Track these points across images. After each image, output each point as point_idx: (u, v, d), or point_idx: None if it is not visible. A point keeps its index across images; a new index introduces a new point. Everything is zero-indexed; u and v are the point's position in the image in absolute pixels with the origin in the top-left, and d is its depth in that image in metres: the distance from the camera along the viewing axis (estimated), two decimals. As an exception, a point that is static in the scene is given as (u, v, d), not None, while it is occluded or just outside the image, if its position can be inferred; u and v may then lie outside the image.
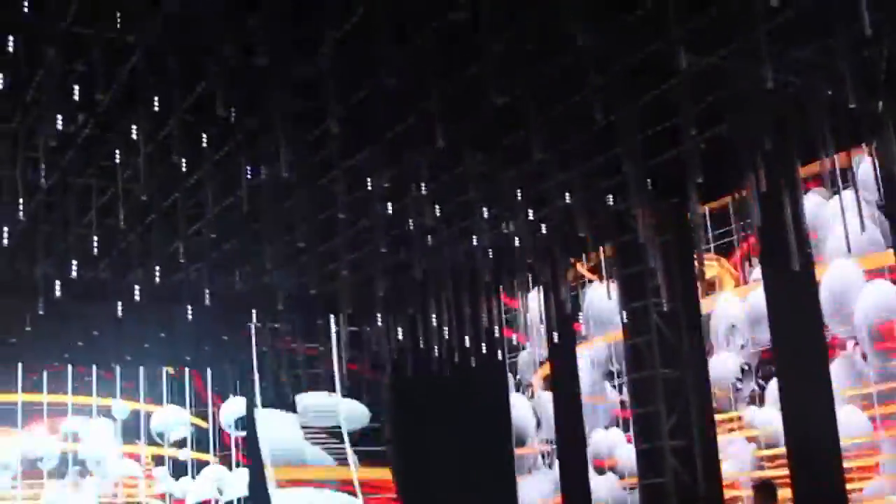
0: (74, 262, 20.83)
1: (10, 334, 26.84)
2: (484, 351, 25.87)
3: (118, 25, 13.30)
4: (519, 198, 19.87)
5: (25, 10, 12.98)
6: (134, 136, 16.02)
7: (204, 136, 16.66)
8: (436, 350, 25.40)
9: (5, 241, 18.84)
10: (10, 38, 13.40)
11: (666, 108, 16.22)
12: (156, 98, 14.95)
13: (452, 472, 27.22)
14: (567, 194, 19.45)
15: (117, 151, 16.87)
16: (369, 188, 18.31)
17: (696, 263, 20.34)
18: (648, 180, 18.65)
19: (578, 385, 25.58)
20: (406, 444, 30.86)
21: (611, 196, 20.26)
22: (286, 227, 20.15)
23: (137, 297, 22.46)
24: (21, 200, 17.24)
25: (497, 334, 26.75)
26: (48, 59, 13.70)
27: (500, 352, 27.32)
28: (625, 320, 21.88)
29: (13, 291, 22.59)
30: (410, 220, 20.09)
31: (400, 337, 27.09)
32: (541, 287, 25.16)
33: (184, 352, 30.65)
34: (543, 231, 21.85)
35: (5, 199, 17.13)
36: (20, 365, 32.64)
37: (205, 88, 14.84)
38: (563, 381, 25.79)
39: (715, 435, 21.16)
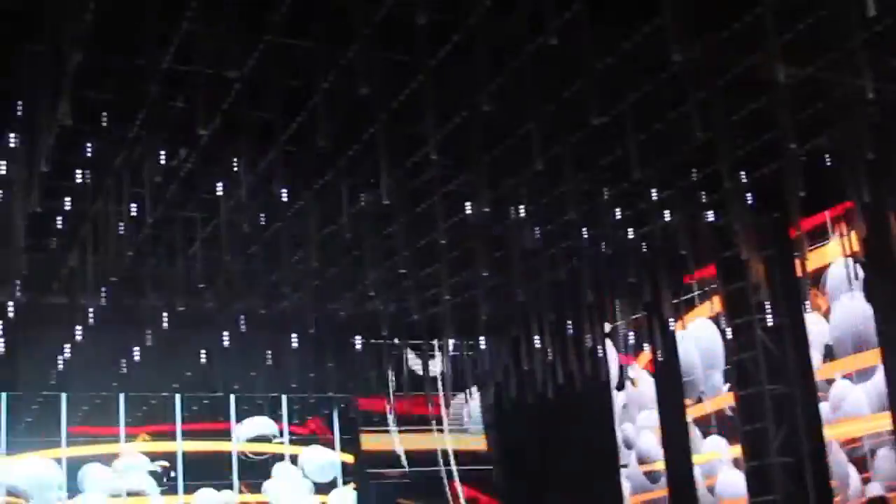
0: (180, 293, 21.15)
1: (119, 365, 27.21)
2: (588, 372, 25.65)
3: (217, 61, 13.51)
4: (619, 217, 19.80)
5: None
6: (235, 168, 16.30)
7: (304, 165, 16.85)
8: (539, 371, 25.26)
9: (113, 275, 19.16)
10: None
11: (765, 122, 16.09)
12: (256, 130, 15.17)
13: (558, 493, 27.09)
14: (667, 212, 19.34)
15: (219, 184, 17.13)
16: (469, 212, 18.37)
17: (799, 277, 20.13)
18: (749, 195, 18.50)
19: (682, 400, 25.39)
20: (511, 465, 30.78)
21: (711, 212, 20.11)
22: (387, 253, 20.26)
23: (243, 327, 22.67)
24: (128, 235, 17.60)
25: (601, 355, 26.52)
26: (151, 97, 13.97)
27: (604, 372, 27.08)
28: (729, 337, 21.71)
29: (121, 323, 22.93)
30: (511, 243, 20.05)
31: (503, 359, 27.08)
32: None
33: (289, 379, 30.81)
34: (644, 250, 21.73)
35: (112, 233, 17.45)
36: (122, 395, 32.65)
37: (304, 118, 15.02)
38: (667, 397, 25.59)
39: (824, 450, 20.84)
